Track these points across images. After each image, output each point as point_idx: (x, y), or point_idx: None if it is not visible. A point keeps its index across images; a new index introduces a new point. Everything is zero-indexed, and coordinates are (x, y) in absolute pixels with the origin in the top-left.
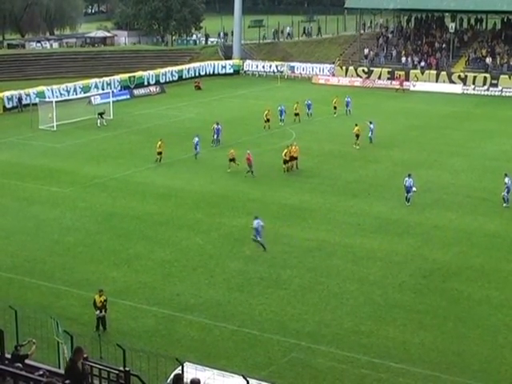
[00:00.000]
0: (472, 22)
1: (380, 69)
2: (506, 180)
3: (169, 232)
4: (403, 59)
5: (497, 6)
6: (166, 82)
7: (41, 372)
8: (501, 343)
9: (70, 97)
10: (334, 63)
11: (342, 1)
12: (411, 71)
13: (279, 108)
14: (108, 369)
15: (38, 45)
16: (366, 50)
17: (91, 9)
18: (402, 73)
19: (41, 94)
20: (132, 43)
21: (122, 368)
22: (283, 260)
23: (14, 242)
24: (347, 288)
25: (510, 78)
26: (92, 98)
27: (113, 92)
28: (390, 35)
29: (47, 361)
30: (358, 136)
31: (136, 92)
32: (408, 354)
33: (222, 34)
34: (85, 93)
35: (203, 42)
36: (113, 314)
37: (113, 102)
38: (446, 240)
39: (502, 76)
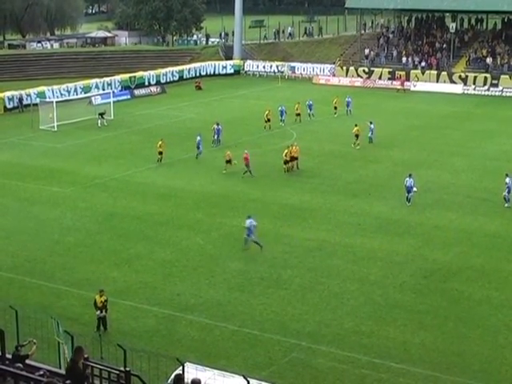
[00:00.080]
0: (472, 22)
1: (381, 69)
2: (507, 180)
3: (169, 232)
4: (404, 59)
5: (497, 6)
6: (166, 82)
7: (41, 372)
8: (501, 343)
9: (71, 97)
10: (334, 63)
11: (342, 1)
12: (412, 71)
13: (280, 108)
14: (109, 369)
15: (39, 45)
16: (367, 50)
17: (92, 9)
18: (403, 73)
19: (41, 95)
20: (133, 43)
21: (122, 368)
22: (284, 260)
23: (15, 241)
24: (348, 288)
25: (510, 78)
26: (93, 99)
27: (113, 92)
28: (390, 35)
29: (48, 361)
30: (357, 136)
31: (137, 92)
32: (408, 354)
33: (223, 34)
34: (85, 93)
35: (204, 42)
36: (113, 314)
37: (113, 102)
38: (447, 240)
39: (502, 76)
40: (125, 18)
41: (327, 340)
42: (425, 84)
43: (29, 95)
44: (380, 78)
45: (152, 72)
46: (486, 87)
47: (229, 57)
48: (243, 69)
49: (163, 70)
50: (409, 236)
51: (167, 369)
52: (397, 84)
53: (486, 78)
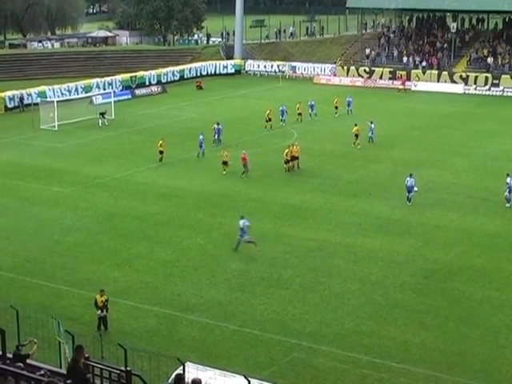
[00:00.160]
0: (473, 21)
1: (381, 69)
2: (508, 180)
3: (170, 232)
4: (405, 59)
5: (498, 5)
6: (167, 82)
7: (42, 372)
8: (502, 343)
9: (72, 97)
10: (335, 63)
11: (343, 0)
12: (413, 71)
13: (280, 108)
14: (109, 369)
15: (40, 45)
16: (368, 50)
17: (93, 8)
18: (404, 73)
19: (42, 94)
20: (133, 43)
21: (123, 368)
22: (284, 260)
23: (15, 241)
24: (348, 288)
25: (511, 77)
26: (93, 98)
27: (114, 92)
28: (391, 35)
29: (48, 360)
30: (357, 136)
31: (137, 92)
32: (409, 354)
33: (224, 34)
34: (86, 93)
35: (205, 41)
36: (114, 314)
37: (114, 101)
38: (448, 240)
39: (503, 76)
40: (126, 18)
41: (328, 340)
42: (426, 84)
43: (29, 95)
44: (381, 77)
45: (153, 72)
46: (487, 87)
47: (230, 56)
48: (244, 68)
49: (164, 70)
50: (409, 236)
51: (168, 368)
52: (398, 84)
53: (486, 77)
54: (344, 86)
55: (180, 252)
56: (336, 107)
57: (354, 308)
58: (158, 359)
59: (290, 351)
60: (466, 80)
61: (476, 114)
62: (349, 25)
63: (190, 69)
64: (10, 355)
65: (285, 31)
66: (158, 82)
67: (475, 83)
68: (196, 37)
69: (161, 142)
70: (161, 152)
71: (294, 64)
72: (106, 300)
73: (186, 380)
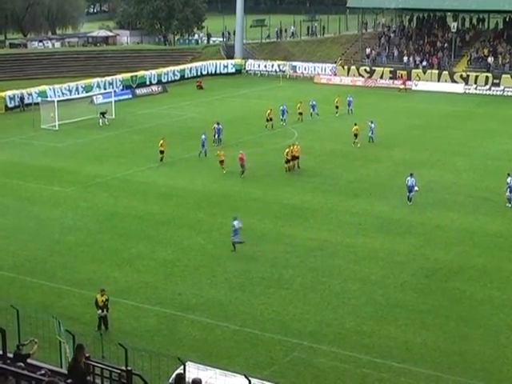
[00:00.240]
0: (474, 21)
1: (382, 68)
2: (509, 180)
3: (170, 232)
4: (405, 59)
5: (499, 5)
6: (167, 82)
7: (43, 371)
8: (503, 343)
9: (72, 96)
10: (335, 63)
11: (343, 0)
12: (413, 71)
13: (281, 108)
14: (110, 368)
15: (40, 44)
16: (368, 50)
17: (93, 8)
18: (404, 72)
19: (43, 94)
20: (134, 43)
21: (123, 367)
22: (285, 260)
23: (16, 241)
24: (349, 288)
25: (511, 77)
26: (94, 98)
27: (115, 91)
28: (391, 35)
29: (49, 360)
30: (356, 135)
31: (138, 91)
32: (410, 353)
33: (226, 34)
34: (87, 92)
35: (205, 41)
36: (115, 314)
37: (115, 101)
38: (448, 240)
39: (503, 75)
40: (126, 18)
41: (328, 339)
42: (426, 83)
43: (30, 94)
44: (381, 77)
45: (153, 71)
46: (488, 87)
47: (230, 56)
48: (244, 68)
49: (164, 70)
50: (410, 235)
51: (168, 368)
52: (399, 83)
53: (487, 77)
54: (344, 86)
55: (180, 252)
56: (337, 107)
57: (355, 308)
58: (159, 359)
59: (290, 351)
60: (466, 80)
61: (476, 114)
62: (349, 24)
63: (191, 68)
64: (10, 355)
65: (286, 31)
66: (159, 82)
67: (476, 83)
68: (196, 36)
69: (161, 141)
70: (161, 152)
71: (294, 64)
72: (107, 300)
73: (187, 380)
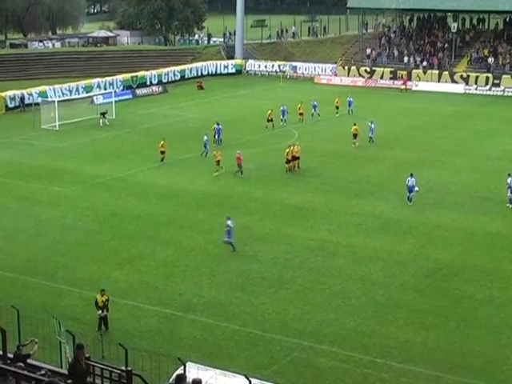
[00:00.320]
0: (474, 21)
1: (382, 68)
2: (509, 180)
3: (171, 232)
4: (405, 59)
5: (499, 5)
6: (168, 82)
7: (43, 371)
8: (503, 343)
9: (73, 96)
10: (336, 63)
11: (344, 0)
12: (413, 71)
13: (281, 108)
14: (110, 368)
15: (41, 44)
16: (369, 50)
17: (93, 8)
18: (405, 72)
19: (43, 94)
20: (134, 43)
21: (124, 368)
22: (285, 260)
23: (16, 241)
24: (349, 288)
25: None
26: (94, 98)
27: (115, 92)
28: (392, 35)
29: (49, 360)
30: (355, 135)
31: (138, 92)
32: (410, 353)
33: (227, 34)
34: (87, 92)
35: (205, 41)
36: (115, 314)
37: (115, 101)
38: (449, 240)
39: (504, 76)
40: (126, 18)
41: (329, 339)
42: (426, 84)
43: (30, 94)
44: (382, 77)
45: (154, 72)
46: (488, 87)
47: (230, 56)
48: (245, 68)
49: (165, 70)
50: (410, 236)
51: (169, 368)
52: (399, 84)
53: (487, 77)
54: (345, 86)
55: (181, 252)
56: (337, 107)
57: (355, 308)
58: (159, 359)
59: (290, 351)
60: (466, 80)
61: (477, 114)
62: (349, 25)
63: (191, 69)
64: (10, 355)
65: (287, 31)
66: (159, 82)
67: (476, 83)
68: (197, 37)
69: (162, 142)
70: (162, 152)
71: (294, 64)
72: (107, 300)
73: (187, 380)
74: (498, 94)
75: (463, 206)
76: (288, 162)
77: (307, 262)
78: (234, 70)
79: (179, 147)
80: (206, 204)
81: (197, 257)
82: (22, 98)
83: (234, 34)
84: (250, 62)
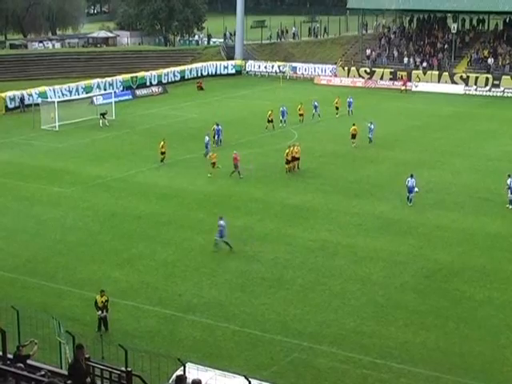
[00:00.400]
0: (474, 22)
1: (382, 69)
2: (509, 181)
3: (171, 232)
4: (405, 60)
5: (499, 6)
6: (168, 83)
7: (42, 372)
8: (503, 344)
9: (72, 97)
10: (336, 64)
11: (344, 1)
12: (413, 72)
13: (281, 109)
14: (110, 369)
15: (41, 45)
16: (368, 51)
17: (93, 9)
18: (405, 73)
19: (43, 94)
20: (134, 43)
21: (123, 368)
22: (285, 260)
23: (16, 241)
24: (349, 288)
25: (511, 78)
26: (94, 99)
27: (115, 92)
28: (392, 36)
29: (49, 361)
30: (354, 136)
31: (138, 92)
32: (410, 354)
33: (228, 34)
34: (87, 93)
35: (205, 42)
36: (115, 315)
37: (115, 102)
38: (448, 240)
39: (504, 77)
40: (126, 19)
41: (329, 340)
42: (426, 84)
43: (30, 95)
44: (381, 78)
45: (153, 72)
46: (488, 88)
47: (230, 57)
48: (245, 69)
49: (165, 70)
50: (410, 236)
51: (168, 369)
52: (399, 84)
53: (487, 78)
54: (345, 87)
55: (181, 252)
56: (337, 108)
57: (355, 308)
58: (159, 360)
59: (290, 351)
60: (466, 81)
61: (476, 115)
62: (349, 25)
63: (191, 69)
64: (10, 356)
65: (287, 32)
66: (159, 83)
67: (476, 84)
68: (197, 37)
69: (162, 143)
70: (162, 153)
71: (294, 64)
72: (106, 300)
73: (187, 380)
74: (498, 94)
75: (463, 207)
76: (288, 162)
77: (307, 263)
78: (233, 71)
79: (179, 148)
80: (206, 204)
81: (197, 257)
82: (22, 99)
83: (234, 35)
84: (250, 62)
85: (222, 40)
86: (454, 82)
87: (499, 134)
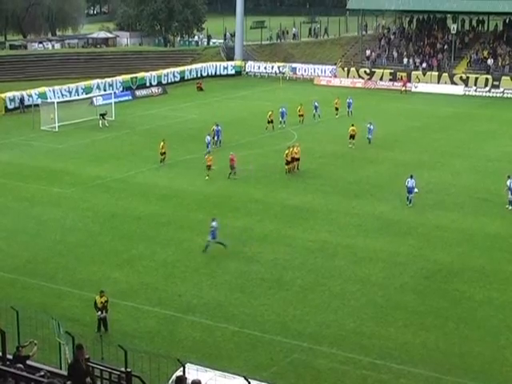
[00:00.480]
0: (474, 23)
1: (382, 70)
2: (508, 182)
3: (171, 233)
4: (405, 60)
5: (499, 7)
6: (167, 83)
7: (42, 373)
8: (502, 344)
9: (72, 98)
10: (335, 64)
11: (343, 2)
12: (413, 72)
13: (280, 110)
14: (109, 370)
15: (40, 45)
16: (368, 51)
17: (93, 10)
18: (404, 74)
19: (43, 95)
20: (134, 44)
21: (123, 369)
22: (285, 261)
23: (16, 242)
24: (349, 289)
25: (511, 79)
26: (94, 99)
27: (115, 93)
28: (391, 36)
29: (48, 362)
30: (352, 136)
31: (138, 93)
32: (409, 355)
33: (228, 35)
34: (87, 94)
35: (205, 43)
36: (114, 315)
37: (115, 102)
38: (448, 241)
39: (503, 77)
40: (126, 19)
41: (328, 341)
42: (426, 85)
43: (30, 96)
44: (381, 79)
45: (153, 73)
46: (487, 88)
47: (230, 58)
48: (244, 70)
49: (164, 71)
50: (410, 237)
51: (168, 370)
52: (398, 85)
53: (487, 79)
54: (344, 88)
55: (181, 253)
56: (336, 108)
57: (355, 309)
58: (159, 360)
59: (290, 352)
60: (466, 81)
61: (476, 116)
62: (349, 26)
63: (191, 70)
64: (10, 356)
65: (287, 32)
66: (159, 83)
67: (475, 85)
68: (196, 38)
69: (162, 143)
70: (162, 153)
71: (294, 65)
72: (106, 301)
73: (187, 381)
74: (498, 95)
75: (463, 207)
76: (288, 163)
77: (307, 263)
78: (233, 72)
79: (179, 148)
80: (205, 205)
81: (196, 258)
82: (22, 99)
83: (234, 36)
84: (250, 63)
85: (221, 41)
86: (453, 83)
87: (499, 135)
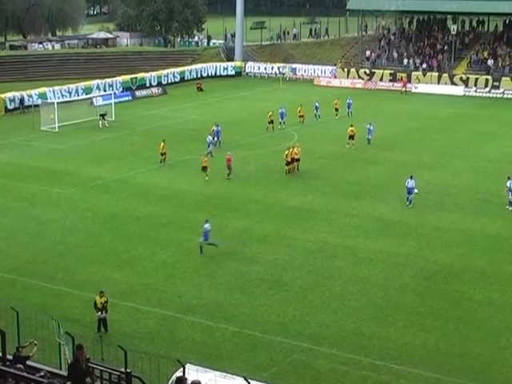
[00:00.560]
0: (474, 24)
1: (382, 71)
2: (508, 183)
3: (171, 233)
4: (405, 61)
5: (499, 8)
6: (167, 84)
7: (42, 373)
8: (502, 345)
9: (72, 98)
10: (335, 65)
11: (343, 2)
12: (413, 73)
13: (280, 110)
14: (109, 370)
15: (40, 46)
16: (368, 52)
17: (93, 10)
18: (404, 74)
19: (43, 95)
20: (134, 45)
21: (123, 369)
22: (285, 261)
23: (16, 243)
24: (349, 290)
25: (511, 80)
26: (94, 100)
27: (115, 93)
28: (391, 37)
29: (48, 362)
30: (351, 137)
31: (138, 93)
32: (409, 355)
33: (228, 36)
34: (87, 94)
35: (205, 43)
36: (114, 316)
37: (115, 103)
38: (448, 242)
39: (503, 78)
40: (126, 20)
41: (328, 341)
42: (426, 86)
43: (30, 96)
44: (381, 79)
45: (153, 73)
46: (488, 89)
47: (230, 58)
48: (244, 70)
49: (164, 72)
50: (410, 237)
51: (168, 370)
52: (398, 86)
53: (487, 79)
54: (344, 88)
55: (181, 253)
56: (336, 109)
57: (355, 310)
58: (159, 361)
59: (290, 353)
60: (466, 82)
61: (476, 116)
62: (349, 27)
63: (191, 70)
64: (10, 357)
65: (288, 33)
66: (159, 84)
67: (475, 85)
68: (196, 38)
69: (162, 144)
70: (162, 154)
71: (294, 66)
72: (106, 302)
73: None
74: (498, 96)
75: (463, 208)
76: (288, 163)
77: (307, 264)
78: (233, 72)
79: (179, 149)
80: (205, 205)
81: (196, 258)
82: (22, 100)
83: (234, 36)
84: (250, 63)
85: (221, 41)
86: (453, 84)
87: (499, 136)
